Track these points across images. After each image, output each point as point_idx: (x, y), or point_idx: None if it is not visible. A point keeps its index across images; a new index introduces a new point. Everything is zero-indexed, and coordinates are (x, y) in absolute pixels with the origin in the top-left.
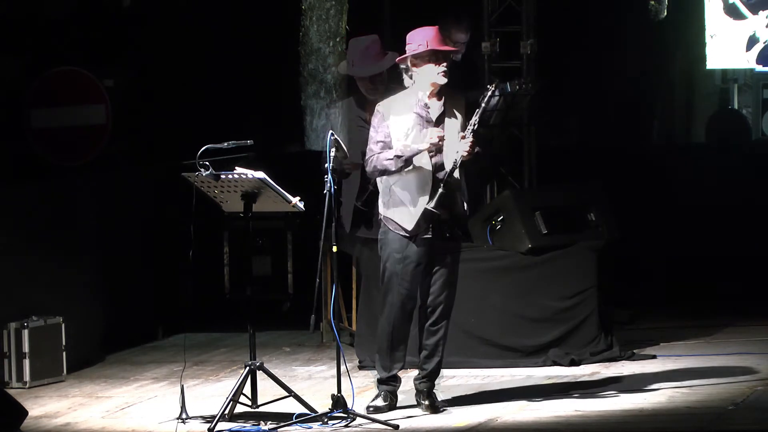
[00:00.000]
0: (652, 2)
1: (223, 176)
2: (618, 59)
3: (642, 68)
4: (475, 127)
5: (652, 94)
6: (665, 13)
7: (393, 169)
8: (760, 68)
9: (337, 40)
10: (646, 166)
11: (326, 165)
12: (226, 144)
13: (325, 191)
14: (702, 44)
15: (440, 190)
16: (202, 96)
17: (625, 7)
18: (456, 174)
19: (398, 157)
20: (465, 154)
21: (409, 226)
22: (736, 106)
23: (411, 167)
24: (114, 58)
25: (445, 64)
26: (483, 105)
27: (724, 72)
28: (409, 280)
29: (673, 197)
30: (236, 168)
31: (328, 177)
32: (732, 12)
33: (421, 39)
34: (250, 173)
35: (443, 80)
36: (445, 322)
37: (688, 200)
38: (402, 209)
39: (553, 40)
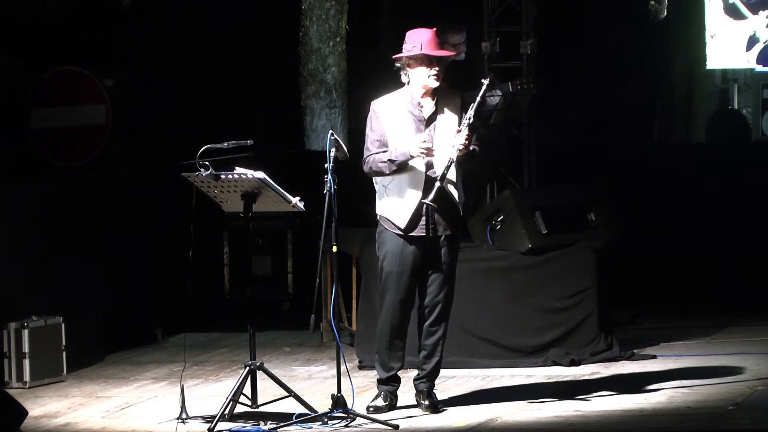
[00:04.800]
0: (652, 2)
1: (223, 176)
2: (618, 59)
3: (642, 68)
4: (470, 120)
5: (652, 94)
6: (665, 13)
7: (387, 172)
8: (760, 68)
9: (337, 40)
10: (646, 166)
11: (326, 165)
12: (226, 144)
13: (325, 191)
14: (702, 44)
15: (437, 184)
16: (202, 96)
17: (625, 7)
18: (453, 169)
19: (391, 161)
20: (461, 147)
21: (402, 224)
22: (736, 106)
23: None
24: (114, 58)
25: (437, 68)
26: (478, 99)
27: (724, 72)
28: (405, 279)
29: (673, 197)
30: (236, 168)
31: (328, 177)
32: (732, 12)
33: (416, 41)
34: (250, 173)
35: (434, 84)
36: (444, 323)
37: (687, 200)
38: (396, 207)
39: (553, 40)
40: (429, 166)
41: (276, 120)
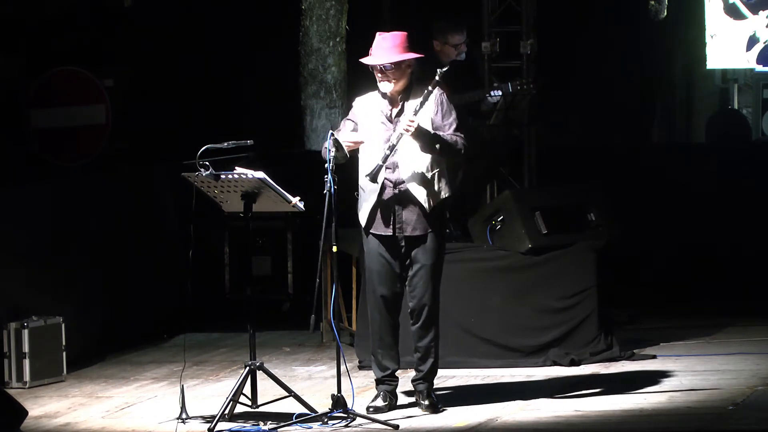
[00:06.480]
0: (652, 2)
1: (223, 176)
2: (618, 59)
3: (642, 68)
4: (419, 107)
5: (652, 94)
6: (665, 13)
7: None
8: (760, 68)
9: (337, 40)
10: (646, 166)
11: (326, 165)
12: (226, 144)
13: (325, 191)
14: (702, 44)
15: (379, 163)
16: (202, 96)
17: (625, 7)
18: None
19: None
20: (403, 130)
21: (363, 222)
22: (736, 106)
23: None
24: (114, 58)
25: (380, 74)
26: (430, 88)
27: (724, 72)
28: (384, 277)
29: (673, 197)
30: (236, 168)
31: (328, 177)
32: (732, 12)
33: (372, 47)
34: (250, 173)
35: (384, 88)
36: (434, 324)
37: (687, 200)
38: (361, 206)
39: (553, 40)
40: (395, 166)
41: (276, 120)
